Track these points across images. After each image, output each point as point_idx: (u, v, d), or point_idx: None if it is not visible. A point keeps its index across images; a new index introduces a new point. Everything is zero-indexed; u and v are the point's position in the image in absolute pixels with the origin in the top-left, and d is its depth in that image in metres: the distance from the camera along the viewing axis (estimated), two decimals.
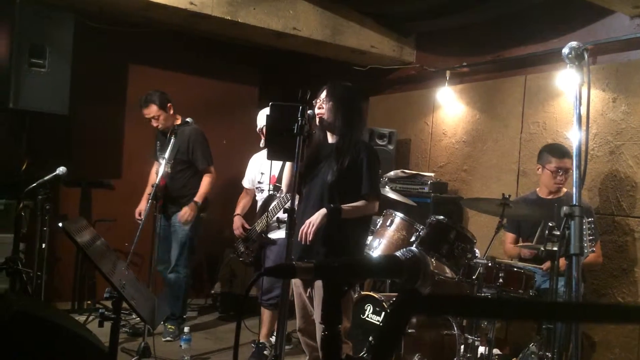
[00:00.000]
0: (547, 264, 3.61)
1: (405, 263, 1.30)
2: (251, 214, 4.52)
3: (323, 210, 3.01)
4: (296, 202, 3.00)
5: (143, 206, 4.72)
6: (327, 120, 3.14)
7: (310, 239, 3.00)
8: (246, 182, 4.60)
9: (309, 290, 3.23)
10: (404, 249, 1.34)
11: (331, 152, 3.14)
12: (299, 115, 2.78)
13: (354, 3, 5.09)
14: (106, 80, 5.55)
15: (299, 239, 3.02)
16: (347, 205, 3.05)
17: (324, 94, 3.17)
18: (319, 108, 3.14)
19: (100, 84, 5.44)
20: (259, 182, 4.45)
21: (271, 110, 3.00)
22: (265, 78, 6.55)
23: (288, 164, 3.21)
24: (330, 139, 3.22)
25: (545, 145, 4.06)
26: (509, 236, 4.08)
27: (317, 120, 3.12)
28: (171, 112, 4.73)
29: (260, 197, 4.42)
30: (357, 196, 3.10)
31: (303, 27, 4.93)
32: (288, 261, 2.81)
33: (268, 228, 4.18)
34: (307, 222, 3.02)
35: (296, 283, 3.27)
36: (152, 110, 4.67)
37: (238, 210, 4.52)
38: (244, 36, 5.17)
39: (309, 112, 3.01)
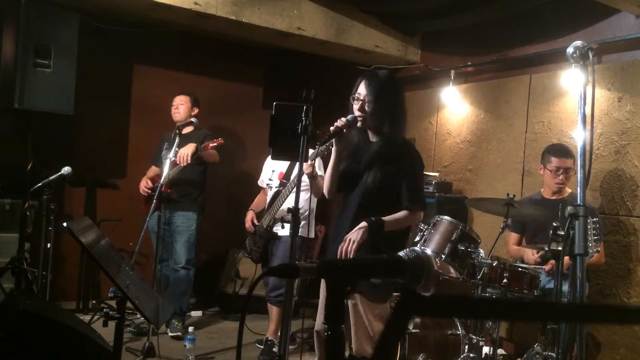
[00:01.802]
0: (549, 265, 3.60)
1: (409, 263, 1.30)
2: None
3: (364, 224, 2.74)
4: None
5: (144, 182, 4.83)
6: (372, 121, 2.84)
7: (352, 256, 2.71)
8: (262, 182, 4.62)
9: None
10: (408, 249, 1.33)
11: (373, 155, 2.86)
12: (303, 115, 2.76)
13: (358, 3, 5.08)
14: (111, 80, 5.57)
15: (338, 256, 2.78)
16: (390, 217, 2.78)
17: (363, 89, 2.86)
18: (361, 107, 2.83)
19: (105, 84, 5.46)
20: (270, 180, 4.48)
21: (275, 110, 3.00)
22: (269, 78, 6.55)
23: (327, 173, 2.98)
24: (372, 137, 2.93)
25: (547, 146, 4.06)
26: (513, 236, 4.07)
27: (360, 122, 2.84)
28: (193, 113, 4.90)
29: (269, 194, 4.44)
30: (399, 205, 2.83)
31: (307, 26, 4.93)
32: (292, 261, 2.80)
33: (274, 223, 4.21)
34: (347, 238, 2.75)
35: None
36: (184, 98, 4.95)
37: (253, 206, 4.56)
38: (249, 36, 5.17)
39: (349, 117, 2.81)
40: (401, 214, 2.84)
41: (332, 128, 2.82)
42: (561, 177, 3.81)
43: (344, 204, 2.97)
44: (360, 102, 2.86)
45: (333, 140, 2.87)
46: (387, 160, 2.83)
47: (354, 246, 2.72)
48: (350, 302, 2.81)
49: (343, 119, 2.83)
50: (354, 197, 2.90)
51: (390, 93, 2.90)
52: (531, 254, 3.75)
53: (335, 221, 3.03)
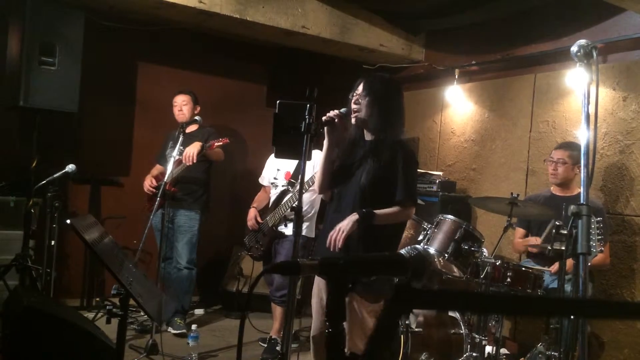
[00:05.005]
0: (555, 267, 3.60)
1: (410, 261, 1.30)
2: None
3: (354, 216, 2.79)
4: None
5: (148, 181, 4.85)
6: (363, 117, 2.92)
7: (340, 245, 2.78)
8: (264, 180, 4.63)
9: None
10: (409, 247, 1.34)
11: (367, 152, 2.93)
12: (306, 114, 2.76)
13: (362, 1, 5.08)
14: (116, 78, 5.58)
15: (327, 245, 2.85)
16: (381, 210, 2.83)
17: (360, 88, 2.95)
18: (355, 103, 2.92)
19: (109, 82, 5.47)
20: (274, 178, 4.49)
21: (279, 109, 3.00)
22: (273, 76, 6.55)
23: (319, 167, 3.04)
24: (367, 136, 3.01)
25: None
26: (519, 231, 4.09)
27: (353, 117, 2.94)
28: (196, 111, 4.93)
29: (274, 193, 4.44)
30: (392, 200, 2.87)
31: (312, 25, 4.92)
32: (294, 258, 2.80)
33: (280, 222, 4.21)
34: (337, 227, 2.81)
35: (320, 286, 3.05)
36: (185, 98, 4.94)
37: (254, 204, 4.56)
38: (253, 34, 5.17)
39: (342, 110, 2.90)
40: (392, 208, 2.88)
41: (324, 117, 2.87)
42: (553, 168, 3.88)
43: (338, 199, 3.00)
44: (356, 96, 2.95)
45: (325, 130, 2.91)
46: (381, 157, 2.88)
47: (343, 235, 2.77)
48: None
49: (336, 111, 2.89)
50: (349, 193, 2.94)
51: (387, 94, 2.97)
52: (534, 240, 3.76)
53: (329, 216, 3.03)
